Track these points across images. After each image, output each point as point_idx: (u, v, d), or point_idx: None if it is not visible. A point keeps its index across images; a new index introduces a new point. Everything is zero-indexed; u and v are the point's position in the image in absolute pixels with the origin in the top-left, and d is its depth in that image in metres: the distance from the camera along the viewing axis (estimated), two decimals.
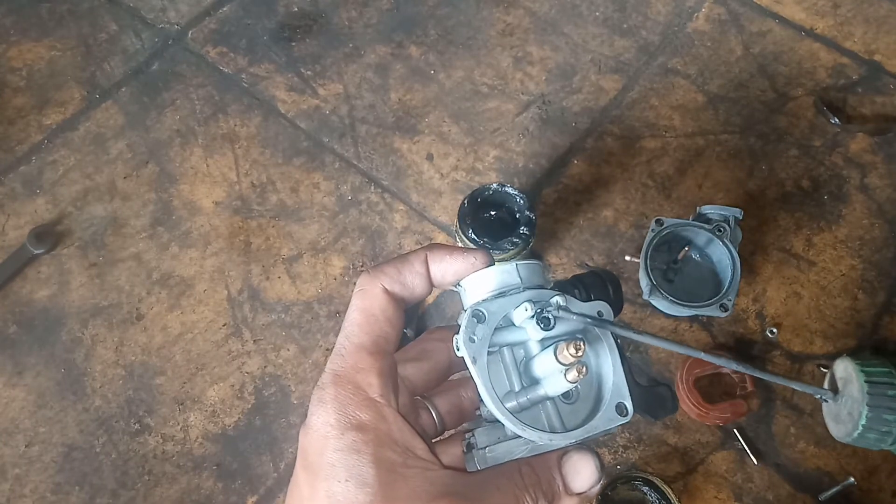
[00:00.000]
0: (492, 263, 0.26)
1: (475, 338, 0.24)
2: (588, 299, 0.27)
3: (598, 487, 0.24)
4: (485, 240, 0.64)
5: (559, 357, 0.23)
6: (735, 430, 0.64)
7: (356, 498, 0.21)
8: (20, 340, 0.70)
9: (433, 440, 0.28)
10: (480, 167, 0.79)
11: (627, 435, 0.65)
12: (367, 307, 0.25)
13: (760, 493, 0.62)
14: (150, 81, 0.86)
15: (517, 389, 0.25)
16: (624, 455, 0.64)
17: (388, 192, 0.78)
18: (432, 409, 0.28)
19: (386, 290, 0.25)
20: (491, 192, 0.66)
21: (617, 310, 0.28)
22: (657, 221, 0.68)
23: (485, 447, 0.24)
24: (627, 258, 0.72)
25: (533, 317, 0.24)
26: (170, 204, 0.78)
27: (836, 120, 0.80)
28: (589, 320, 0.25)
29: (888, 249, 0.73)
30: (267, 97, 0.85)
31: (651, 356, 0.69)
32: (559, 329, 0.25)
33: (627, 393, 0.25)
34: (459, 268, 0.26)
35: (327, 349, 0.70)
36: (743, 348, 0.68)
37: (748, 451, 0.63)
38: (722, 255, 0.68)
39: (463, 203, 0.65)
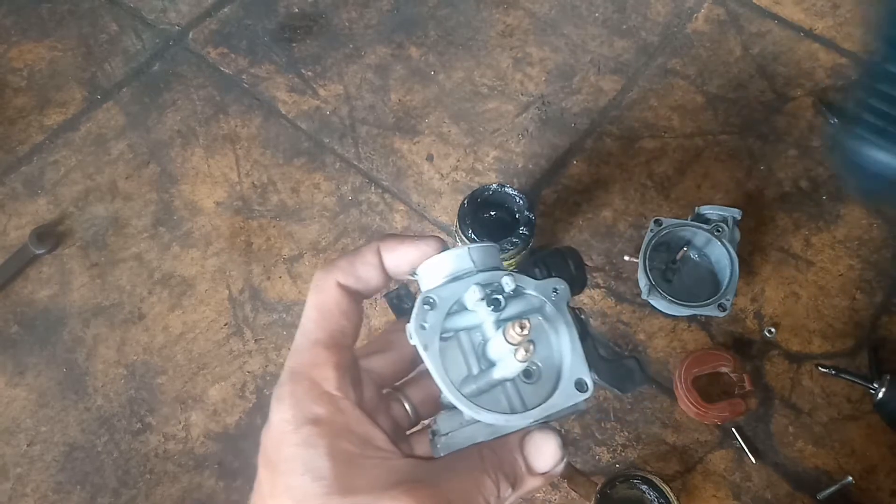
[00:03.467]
0: (445, 249, 0.26)
1: (426, 325, 0.24)
2: (547, 277, 0.27)
3: (561, 467, 0.24)
4: (484, 240, 0.64)
5: (507, 337, 0.23)
6: (733, 429, 0.64)
7: (313, 490, 0.21)
8: (22, 340, 0.71)
9: (409, 431, 0.28)
10: (480, 168, 0.80)
11: (626, 434, 0.65)
12: (321, 303, 0.25)
13: (759, 492, 0.63)
14: (150, 82, 0.86)
15: (475, 373, 0.24)
16: (623, 454, 0.64)
17: (389, 193, 0.79)
18: (405, 400, 0.28)
19: (340, 285, 0.25)
20: (491, 193, 0.66)
21: (580, 286, 0.28)
22: (656, 221, 0.68)
23: (447, 433, 0.24)
24: (626, 258, 0.73)
25: (483, 299, 0.24)
26: (171, 204, 0.78)
27: (836, 120, 0.80)
28: (536, 296, 0.25)
29: (887, 249, 0.74)
30: (268, 98, 0.85)
31: (650, 355, 0.69)
32: (513, 310, 0.25)
33: (586, 368, 0.25)
34: (412, 256, 0.26)
35: None
36: (741, 348, 0.69)
37: (747, 450, 0.63)
38: (720, 255, 0.68)
39: (463, 203, 0.65)
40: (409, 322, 0.24)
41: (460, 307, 0.25)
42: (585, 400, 0.25)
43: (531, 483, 0.24)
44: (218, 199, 0.78)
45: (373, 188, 0.79)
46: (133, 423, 0.67)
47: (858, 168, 0.55)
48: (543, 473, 0.24)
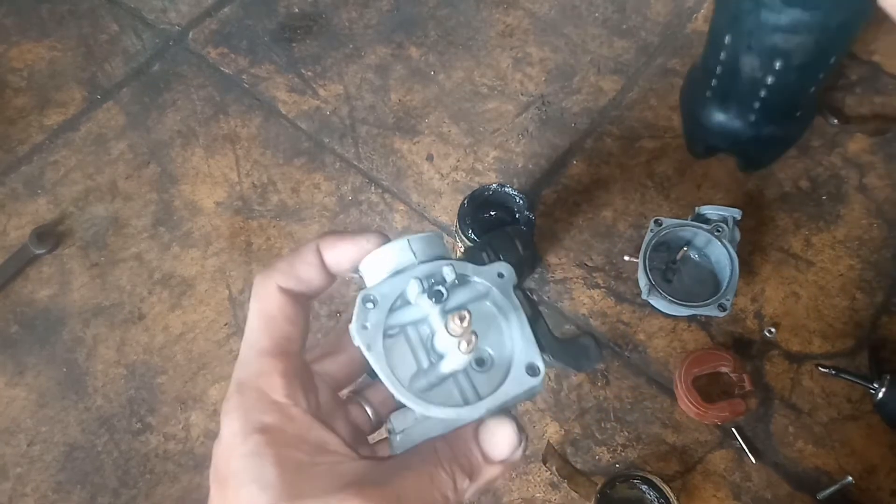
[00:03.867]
0: (382, 242, 0.25)
1: (368, 325, 0.23)
2: (497, 260, 0.26)
3: (520, 452, 0.24)
4: (484, 239, 0.64)
5: (449, 329, 0.22)
6: (733, 429, 0.64)
7: (260, 500, 0.21)
8: (21, 340, 0.71)
9: (371, 434, 0.27)
10: (480, 168, 0.80)
11: (626, 434, 0.65)
12: (263, 309, 0.24)
13: (759, 492, 0.63)
14: (151, 82, 0.86)
15: (426, 367, 0.24)
16: (622, 454, 0.64)
17: (389, 193, 0.79)
18: (364, 402, 0.27)
19: (281, 289, 0.24)
20: (491, 193, 0.66)
21: (530, 265, 0.28)
22: (656, 221, 0.68)
23: (402, 430, 0.24)
24: (626, 258, 0.73)
25: (424, 292, 0.24)
26: (171, 204, 0.78)
27: (835, 120, 0.80)
28: (481, 283, 0.24)
29: (887, 249, 0.74)
30: (268, 98, 0.85)
31: (650, 355, 0.69)
32: (459, 299, 0.25)
33: (537, 352, 0.24)
34: (352, 253, 0.25)
35: None
36: (741, 348, 0.69)
37: (747, 450, 0.63)
38: (720, 255, 0.68)
39: (463, 203, 0.65)
40: (350, 323, 0.24)
41: (404, 301, 0.24)
42: (542, 382, 0.24)
43: (489, 472, 0.23)
44: (218, 199, 0.78)
45: (373, 188, 0.79)
46: (133, 423, 0.67)
47: (702, 123, 0.71)
48: (502, 461, 0.23)
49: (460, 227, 0.65)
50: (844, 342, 0.69)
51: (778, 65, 0.62)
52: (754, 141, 0.71)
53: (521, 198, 0.65)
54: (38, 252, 0.74)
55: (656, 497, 0.60)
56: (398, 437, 0.24)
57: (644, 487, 0.61)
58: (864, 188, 0.77)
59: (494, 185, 0.66)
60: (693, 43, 0.87)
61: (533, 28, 0.89)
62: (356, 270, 0.26)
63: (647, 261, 0.67)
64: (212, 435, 0.66)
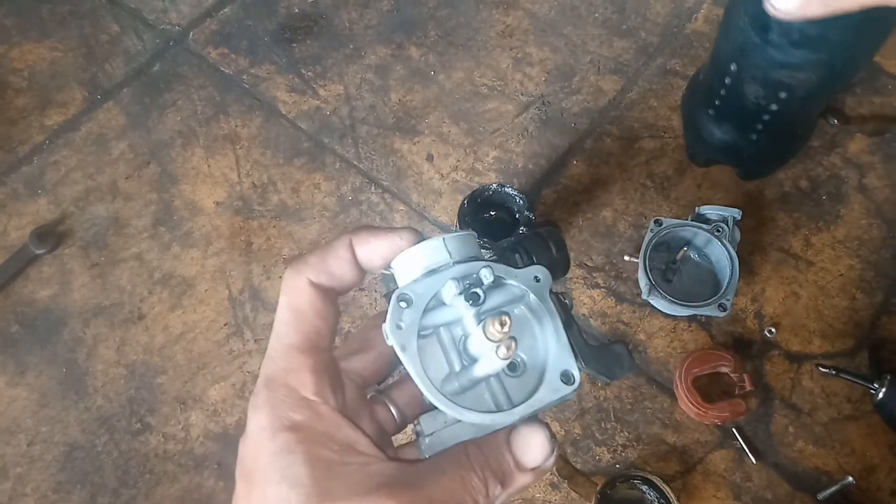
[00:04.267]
0: (420, 240, 0.25)
1: (402, 324, 0.23)
2: (530, 263, 0.25)
3: (552, 461, 0.23)
4: (484, 240, 0.64)
5: (488, 334, 0.22)
6: (734, 430, 0.64)
7: (290, 498, 0.20)
8: (22, 340, 0.71)
9: (395, 434, 0.27)
10: (480, 168, 0.80)
11: (626, 434, 0.65)
12: (294, 304, 0.24)
13: (759, 492, 0.63)
14: (151, 82, 0.86)
15: (458, 369, 0.23)
16: (623, 454, 0.64)
17: (389, 193, 0.79)
18: (390, 403, 0.27)
19: (312, 283, 0.24)
20: (491, 193, 0.66)
21: (563, 268, 0.27)
22: (656, 221, 0.68)
23: (431, 433, 0.23)
24: (626, 258, 0.73)
25: (460, 293, 0.23)
26: (171, 204, 0.78)
27: (835, 120, 0.80)
28: (517, 286, 0.24)
29: (886, 249, 0.74)
30: (268, 98, 0.85)
31: (650, 355, 0.69)
32: (493, 301, 0.24)
33: (572, 360, 0.24)
34: (385, 249, 0.24)
35: None
36: (742, 348, 0.69)
37: (747, 450, 0.63)
38: (720, 255, 0.68)
39: (463, 203, 0.65)
40: (384, 321, 0.23)
41: (438, 302, 0.24)
42: (574, 390, 0.23)
43: (522, 480, 0.23)
44: (218, 199, 0.79)
45: (373, 188, 0.79)
46: (133, 423, 0.67)
47: (703, 138, 0.73)
48: (533, 469, 0.23)
49: (460, 227, 0.65)
50: (844, 342, 0.69)
51: (783, 95, 0.62)
52: (755, 156, 0.72)
53: (521, 198, 0.65)
54: (38, 252, 0.74)
55: (656, 497, 0.60)
56: (427, 440, 0.23)
57: (644, 488, 0.61)
58: (864, 188, 0.77)
59: (494, 185, 0.66)
60: (693, 43, 0.87)
61: (533, 28, 0.89)
62: (388, 267, 0.25)
63: (647, 261, 0.67)
64: (211, 435, 0.66)
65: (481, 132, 0.82)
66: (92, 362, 0.69)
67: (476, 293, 0.23)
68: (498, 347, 0.22)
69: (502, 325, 0.22)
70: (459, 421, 0.23)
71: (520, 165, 0.80)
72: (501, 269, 0.24)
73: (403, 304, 0.23)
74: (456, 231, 0.25)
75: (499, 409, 0.23)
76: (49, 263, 0.75)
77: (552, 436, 0.23)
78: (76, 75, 0.87)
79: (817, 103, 0.67)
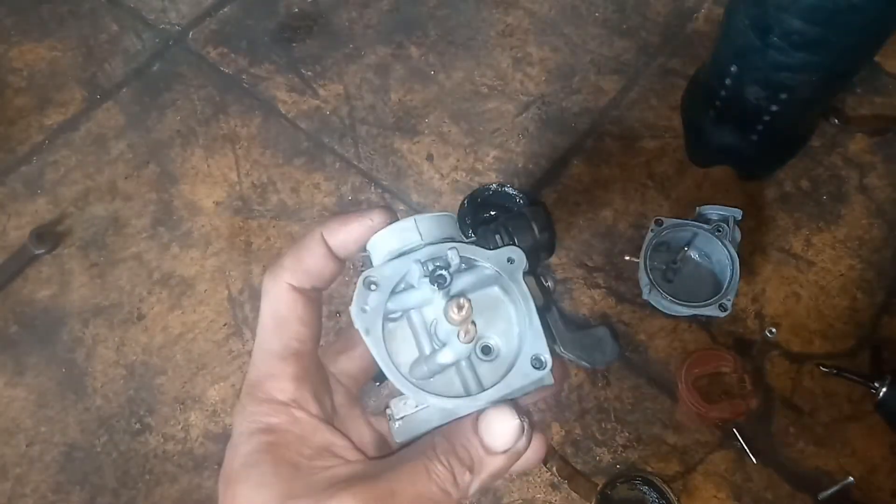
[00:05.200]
0: (388, 219, 0.24)
1: (367, 307, 0.22)
2: (510, 244, 0.25)
3: (523, 442, 0.22)
4: (468, 223, 0.64)
5: (448, 318, 0.21)
6: (734, 430, 0.64)
7: (256, 499, 0.21)
8: (21, 340, 0.71)
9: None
10: (480, 167, 0.79)
11: (627, 434, 0.65)
12: (274, 310, 0.24)
13: (759, 493, 0.62)
14: (150, 82, 0.86)
15: (428, 353, 0.23)
16: (623, 454, 0.64)
17: (389, 193, 0.78)
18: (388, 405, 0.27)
19: (292, 287, 0.24)
20: (491, 193, 0.66)
21: (548, 249, 0.26)
22: (656, 221, 0.68)
23: (401, 417, 0.23)
24: (627, 258, 0.73)
25: (426, 276, 0.22)
26: (171, 204, 0.78)
27: (836, 120, 0.80)
28: (489, 268, 0.23)
29: (887, 249, 0.73)
30: (267, 98, 0.85)
31: (650, 356, 0.69)
32: (464, 284, 0.24)
33: (544, 343, 0.23)
34: (358, 233, 0.24)
35: None
36: (742, 348, 0.68)
37: (747, 450, 0.63)
38: (721, 256, 0.68)
39: (463, 203, 0.65)
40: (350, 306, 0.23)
41: (408, 285, 0.23)
42: (550, 375, 0.23)
43: (493, 463, 0.22)
44: (217, 199, 0.78)
45: (373, 188, 0.79)
46: (132, 423, 0.66)
47: (704, 139, 0.73)
48: (504, 451, 0.22)
49: (460, 227, 0.65)
50: (845, 342, 0.69)
51: (783, 96, 0.62)
52: (755, 157, 0.72)
53: (521, 198, 0.65)
54: (37, 252, 0.74)
55: (657, 497, 0.60)
56: (397, 424, 0.23)
57: (645, 488, 0.60)
58: (865, 188, 0.77)
59: (494, 184, 0.66)
60: (693, 43, 0.87)
61: (533, 28, 0.89)
62: (364, 251, 0.25)
63: (647, 261, 0.67)
64: (211, 435, 0.66)
65: (481, 132, 0.82)
66: (91, 362, 0.69)
67: (442, 276, 0.22)
68: (459, 331, 0.21)
69: (459, 308, 0.21)
70: (427, 406, 0.23)
71: (520, 165, 0.79)
72: (471, 250, 0.24)
73: (372, 287, 0.23)
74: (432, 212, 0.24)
75: (467, 395, 0.22)
76: (48, 263, 0.74)
77: (523, 415, 0.22)
78: (75, 75, 0.87)
79: (817, 104, 0.67)
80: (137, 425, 0.66)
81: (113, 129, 0.83)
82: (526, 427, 0.22)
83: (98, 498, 0.64)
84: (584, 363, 0.24)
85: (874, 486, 0.62)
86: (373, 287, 0.23)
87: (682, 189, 0.77)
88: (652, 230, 0.68)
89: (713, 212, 0.70)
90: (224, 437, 0.66)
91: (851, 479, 0.62)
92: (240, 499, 0.21)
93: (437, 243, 0.23)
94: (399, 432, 0.23)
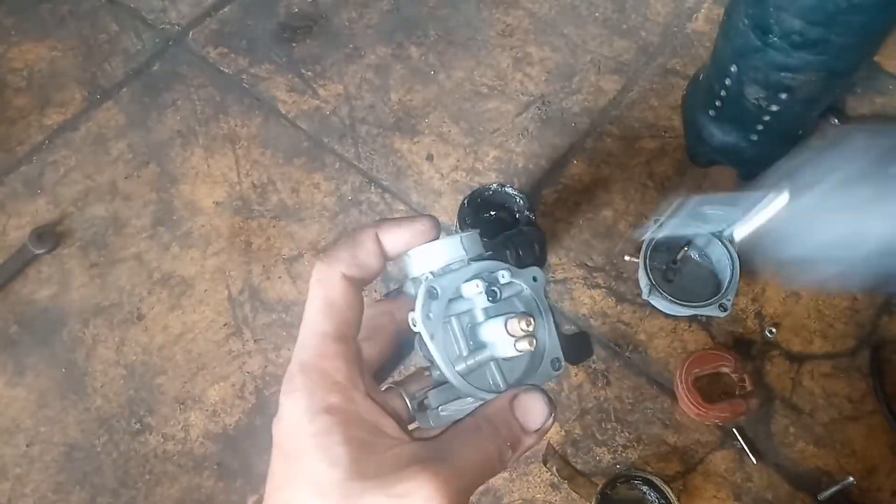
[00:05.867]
0: (438, 228, 0.28)
1: (431, 315, 0.25)
2: (517, 257, 0.29)
3: (551, 421, 0.26)
4: (485, 240, 0.64)
5: (509, 329, 0.26)
6: (734, 430, 0.64)
7: (331, 476, 0.22)
8: (21, 340, 0.71)
9: (408, 426, 0.29)
10: (480, 167, 0.79)
11: (627, 434, 0.65)
12: (327, 295, 0.25)
13: (759, 493, 0.62)
14: (150, 82, 0.86)
15: (465, 354, 0.27)
16: (623, 454, 0.64)
17: (389, 193, 0.78)
18: (405, 394, 0.29)
19: (345, 277, 0.25)
20: (491, 193, 0.66)
21: (542, 264, 0.31)
22: (656, 221, 0.68)
23: (437, 406, 0.26)
24: (627, 258, 0.73)
25: (482, 292, 0.27)
26: (171, 204, 0.78)
27: (836, 120, 0.80)
28: (518, 284, 0.28)
29: None
30: (267, 98, 0.85)
31: (650, 356, 0.69)
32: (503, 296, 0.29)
33: (559, 348, 0.28)
34: (410, 238, 0.27)
35: None
36: (742, 348, 0.68)
37: (747, 450, 0.63)
38: (721, 255, 0.68)
39: (463, 203, 0.65)
40: (412, 311, 0.26)
41: (455, 294, 0.27)
42: (560, 374, 0.28)
43: (528, 441, 0.26)
44: (217, 199, 0.78)
45: (373, 188, 0.79)
46: (132, 423, 0.67)
47: (704, 139, 0.74)
48: (537, 430, 0.26)
49: (460, 227, 0.65)
50: (845, 342, 0.69)
51: (783, 96, 0.62)
52: (755, 157, 0.72)
53: (521, 198, 0.65)
54: (37, 252, 0.74)
55: (657, 498, 0.60)
56: (434, 413, 0.26)
57: (645, 488, 0.60)
58: None
59: (494, 185, 0.66)
60: (693, 43, 0.87)
61: (533, 28, 0.89)
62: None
63: (647, 261, 0.67)
64: (211, 435, 0.66)
65: (481, 132, 0.82)
66: (91, 362, 0.69)
67: (494, 290, 0.27)
68: (518, 341, 0.26)
69: (528, 324, 0.25)
70: (464, 398, 0.26)
71: (520, 165, 0.79)
72: (511, 270, 0.28)
73: (430, 297, 0.26)
74: (457, 231, 0.28)
75: (496, 389, 0.27)
76: (48, 263, 0.74)
77: (550, 399, 0.26)
78: (75, 75, 0.87)
79: (818, 104, 0.67)
80: (137, 425, 0.66)
81: (113, 129, 0.83)
82: (553, 408, 0.26)
83: (98, 498, 0.64)
84: (567, 363, 0.30)
85: (874, 487, 0.62)
86: (435, 296, 0.26)
87: (682, 189, 0.77)
88: (651, 230, 0.68)
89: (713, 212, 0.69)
90: (224, 437, 0.66)
91: (851, 479, 0.62)
92: (313, 477, 0.22)
93: (477, 260, 0.28)
94: (434, 420, 0.26)
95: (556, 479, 0.62)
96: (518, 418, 0.26)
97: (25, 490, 0.64)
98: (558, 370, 0.28)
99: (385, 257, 0.27)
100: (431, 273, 0.27)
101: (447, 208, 0.77)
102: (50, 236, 0.74)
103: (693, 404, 0.63)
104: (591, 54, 0.86)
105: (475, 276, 0.27)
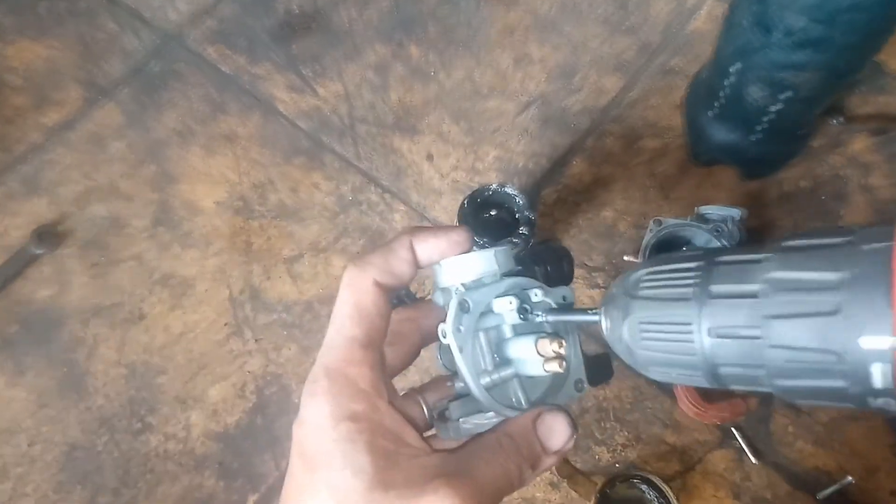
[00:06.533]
0: (472, 240, 0.28)
1: (462, 328, 0.25)
2: (546, 274, 0.29)
3: (572, 443, 0.26)
4: (485, 240, 0.64)
5: (539, 349, 0.25)
6: (733, 429, 0.64)
7: (353, 485, 0.22)
8: (22, 340, 0.71)
9: (424, 434, 0.29)
10: (480, 167, 0.79)
11: (626, 434, 0.65)
12: (358, 301, 0.25)
13: (759, 492, 0.63)
14: (149, 81, 0.86)
15: (490, 368, 0.26)
16: (623, 454, 0.64)
17: (389, 193, 0.78)
18: (423, 403, 0.29)
19: (377, 283, 0.25)
20: (491, 193, 0.66)
21: (569, 282, 0.30)
22: (656, 221, 0.68)
23: (457, 418, 0.26)
24: (627, 258, 0.73)
25: (514, 309, 0.26)
26: (170, 204, 0.78)
27: (837, 120, 0.80)
28: (573, 318, 0.27)
29: None
30: (266, 97, 0.85)
31: None
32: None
33: (583, 370, 0.28)
34: (445, 248, 0.27)
35: None
36: None
37: (746, 449, 0.63)
38: None
39: (463, 203, 0.65)
40: (442, 321, 0.25)
41: (486, 309, 0.27)
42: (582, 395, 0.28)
43: (547, 461, 0.26)
44: (217, 199, 0.78)
45: (372, 188, 0.79)
46: (133, 423, 0.67)
47: (705, 138, 0.73)
48: (557, 451, 0.26)
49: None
50: None
51: (785, 95, 0.62)
52: (757, 157, 0.71)
53: (521, 197, 0.65)
54: (37, 252, 0.74)
55: (656, 497, 0.60)
56: (455, 425, 0.26)
57: (644, 487, 0.61)
58: (867, 188, 0.77)
59: (494, 184, 0.66)
60: (694, 42, 0.87)
61: (533, 27, 0.88)
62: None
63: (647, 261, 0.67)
64: (211, 435, 0.66)
65: (481, 131, 0.81)
66: (92, 362, 0.69)
67: (526, 308, 0.26)
68: (547, 361, 0.25)
69: (560, 346, 0.25)
70: (485, 413, 0.26)
71: (520, 165, 0.79)
72: (542, 288, 0.28)
73: (462, 311, 0.26)
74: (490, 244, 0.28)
75: (518, 406, 0.26)
76: (48, 263, 0.74)
77: (572, 421, 0.26)
78: (73, 74, 0.86)
79: (819, 103, 0.67)
80: (138, 425, 0.67)
81: (111, 129, 0.83)
82: (575, 430, 0.26)
83: (99, 497, 0.64)
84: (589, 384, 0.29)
85: (873, 486, 0.63)
86: (467, 310, 0.26)
87: (682, 189, 0.77)
88: (651, 230, 0.68)
89: (713, 212, 0.69)
90: (225, 437, 0.66)
91: (851, 478, 0.62)
92: (336, 485, 0.22)
93: (510, 275, 0.27)
94: (454, 432, 0.26)
95: (555, 478, 0.63)
96: (540, 438, 0.25)
97: (27, 489, 0.64)
98: (580, 391, 0.27)
99: (417, 266, 0.27)
100: (462, 285, 0.26)
101: (447, 208, 0.77)
102: (50, 236, 0.74)
103: (692, 404, 0.64)
104: (591, 53, 0.86)
105: (508, 292, 0.26)
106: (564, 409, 0.26)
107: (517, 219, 0.66)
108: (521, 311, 0.26)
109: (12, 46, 0.88)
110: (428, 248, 0.26)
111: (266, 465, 0.65)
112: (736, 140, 0.71)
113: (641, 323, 0.21)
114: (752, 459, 0.63)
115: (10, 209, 0.78)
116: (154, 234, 0.76)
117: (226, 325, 0.71)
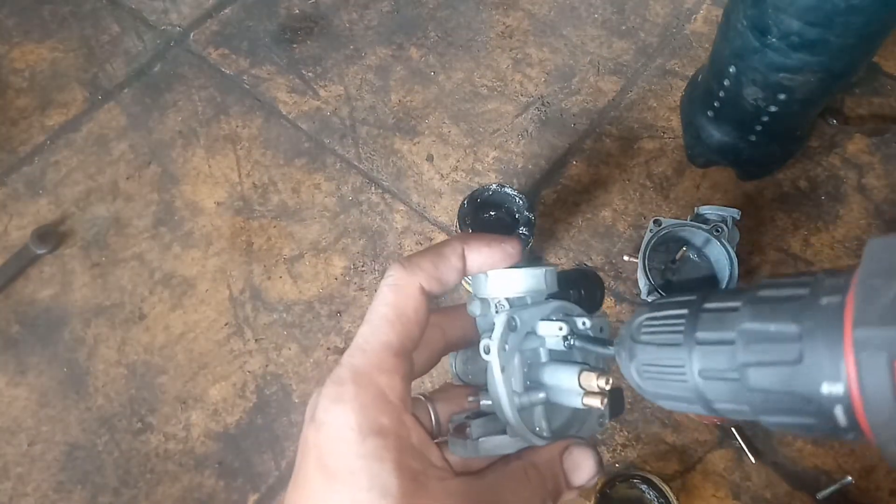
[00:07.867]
0: (522, 253, 0.27)
1: (507, 346, 0.24)
2: (579, 300, 0.28)
3: (595, 479, 0.25)
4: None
5: (582, 382, 0.24)
6: (733, 429, 0.64)
7: None
8: (23, 340, 0.71)
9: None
10: (480, 168, 0.80)
11: (626, 434, 0.65)
12: (399, 304, 0.23)
13: (758, 492, 0.63)
14: (152, 83, 0.86)
15: (519, 391, 0.25)
16: (622, 453, 0.64)
17: (389, 193, 0.79)
18: (432, 411, 0.27)
19: (422, 289, 0.24)
20: (490, 193, 0.66)
21: (597, 310, 0.30)
22: (655, 222, 0.68)
23: (477, 437, 0.25)
24: (626, 258, 0.73)
25: (561, 336, 0.25)
26: (172, 204, 0.78)
27: (834, 121, 0.80)
28: (603, 350, 0.26)
29: None
30: (268, 98, 0.85)
31: None
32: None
33: (607, 407, 0.26)
34: (497, 259, 0.25)
35: (328, 348, 0.70)
36: None
37: (746, 449, 0.63)
38: (720, 256, 0.68)
39: (462, 203, 0.66)
40: (489, 338, 0.24)
41: (530, 329, 0.26)
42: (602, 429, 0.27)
43: (568, 496, 0.25)
44: (219, 200, 0.79)
45: (373, 188, 0.79)
46: (134, 422, 0.67)
47: (703, 139, 0.74)
48: (579, 486, 0.25)
49: (460, 228, 0.65)
50: None
51: (781, 97, 0.63)
52: (754, 158, 0.72)
53: (520, 198, 0.66)
54: (39, 252, 0.74)
55: (656, 497, 0.60)
56: (473, 443, 0.25)
57: (643, 487, 0.61)
58: (863, 188, 0.78)
59: (494, 185, 0.66)
60: (692, 44, 0.87)
61: (532, 29, 0.89)
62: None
63: (646, 261, 0.67)
64: (212, 434, 0.66)
65: (481, 133, 0.82)
66: (93, 362, 0.70)
67: (572, 337, 0.26)
68: (587, 395, 0.24)
69: (606, 383, 0.24)
70: (511, 434, 0.25)
71: (519, 166, 0.80)
72: (587, 317, 0.27)
73: (513, 328, 0.25)
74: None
75: (541, 433, 0.25)
76: (50, 263, 0.75)
77: (599, 457, 0.25)
78: (77, 76, 0.87)
79: (816, 105, 0.68)
80: (139, 424, 0.67)
81: (114, 130, 0.83)
82: (601, 468, 0.25)
83: (99, 497, 0.64)
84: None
85: (873, 486, 0.63)
86: (514, 328, 0.25)
87: (680, 189, 0.78)
88: (650, 230, 0.68)
89: (711, 212, 0.70)
90: (225, 436, 0.66)
91: (850, 478, 0.62)
92: (355, 503, 0.21)
93: (556, 298, 0.26)
94: (471, 450, 0.25)
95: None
96: (566, 471, 0.24)
97: (27, 489, 0.64)
98: (601, 426, 0.27)
99: (464, 274, 0.25)
100: (507, 299, 0.25)
101: (447, 208, 0.77)
102: (51, 236, 0.75)
103: None
104: (590, 55, 0.87)
105: (553, 316, 0.26)
106: (592, 446, 0.25)
107: (517, 219, 0.66)
108: (567, 339, 0.26)
109: (17, 49, 0.89)
110: (480, 257, 0.25)
111: (266, 464, 0.65)
112: (733, 141, 0.72)
113: (644, 364, 0.22)
114: (752, 459, 0.63)
115: (13, 210, 0.78)
116: (155, 234, 0.77)
117: (226, 324, 0.71)
